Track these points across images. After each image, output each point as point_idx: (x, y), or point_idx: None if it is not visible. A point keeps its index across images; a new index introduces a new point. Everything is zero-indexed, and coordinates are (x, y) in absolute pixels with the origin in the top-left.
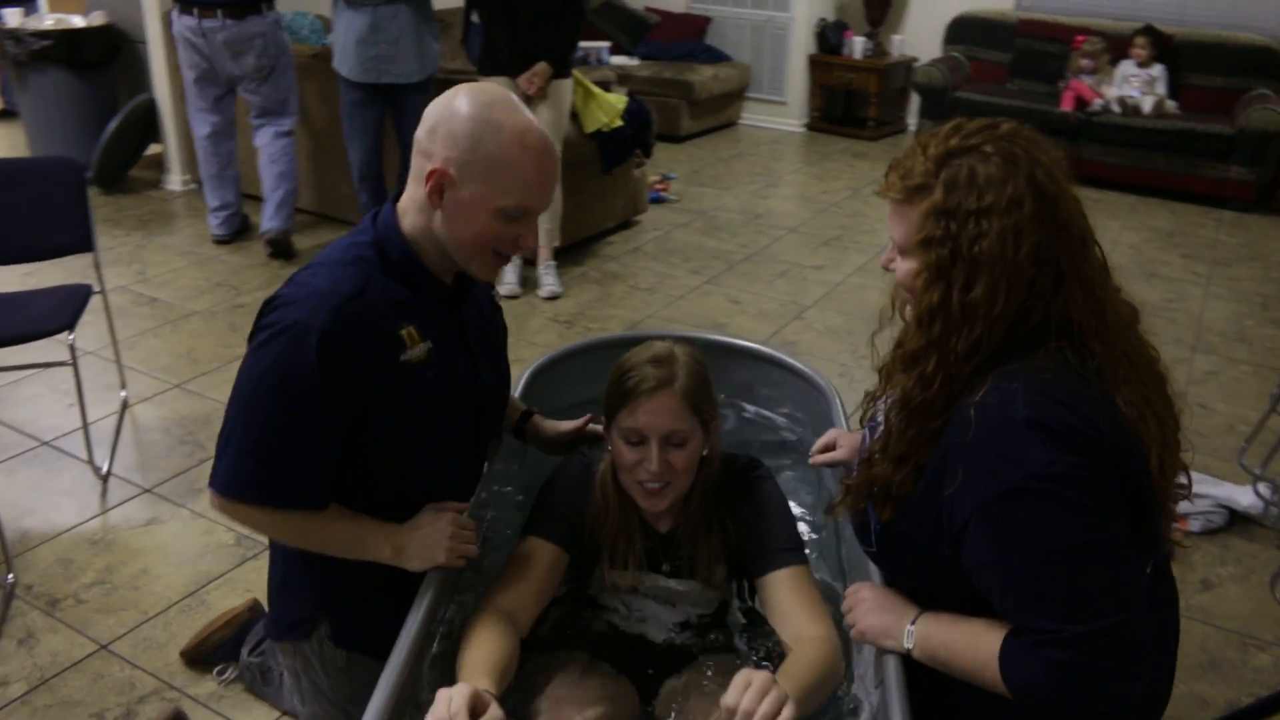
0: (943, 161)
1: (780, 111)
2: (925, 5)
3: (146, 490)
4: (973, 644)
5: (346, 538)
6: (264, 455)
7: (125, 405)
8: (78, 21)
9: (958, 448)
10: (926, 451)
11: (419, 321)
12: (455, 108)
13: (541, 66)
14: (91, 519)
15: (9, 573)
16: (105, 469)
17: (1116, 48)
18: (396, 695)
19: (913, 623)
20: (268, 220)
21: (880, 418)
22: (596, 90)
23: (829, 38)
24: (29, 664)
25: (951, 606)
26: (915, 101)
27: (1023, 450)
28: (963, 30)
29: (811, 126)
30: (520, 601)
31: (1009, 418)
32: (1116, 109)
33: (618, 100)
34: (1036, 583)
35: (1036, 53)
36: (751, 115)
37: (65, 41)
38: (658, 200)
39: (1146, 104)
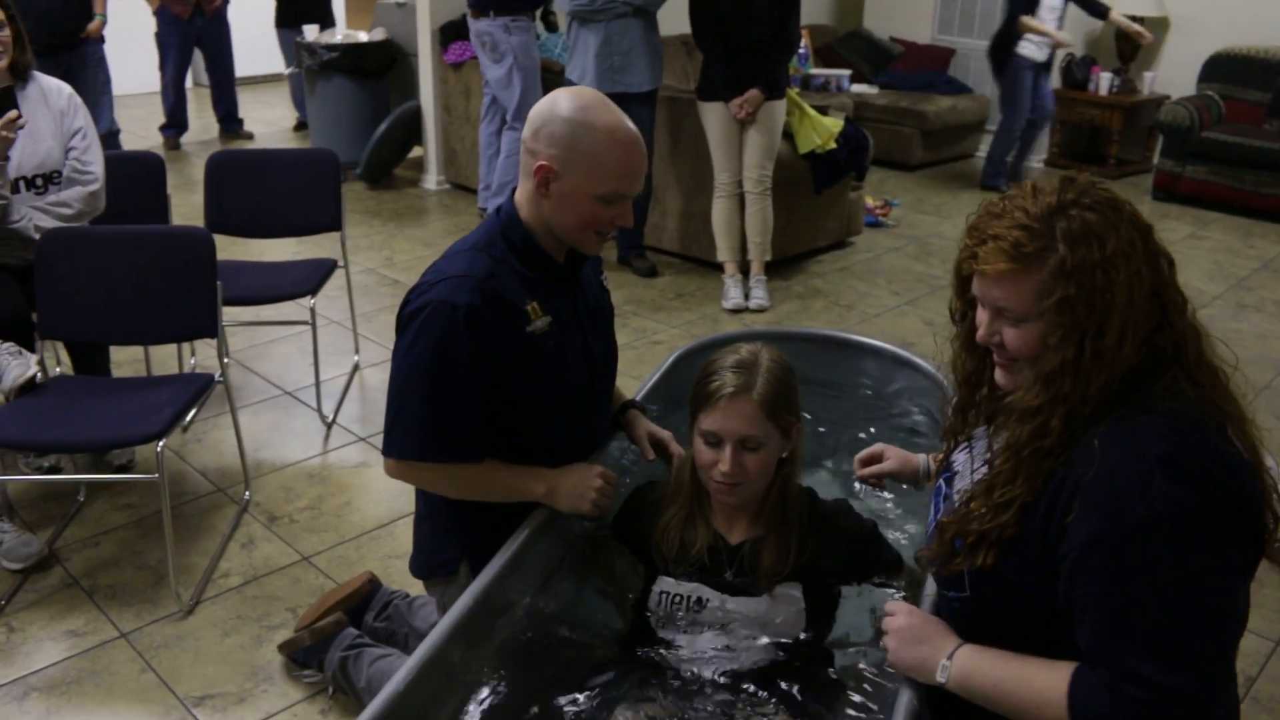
0: (1050, 221)
1: None
2: (1182, 41)
3: (361, 439)
4: (1026, 681)
5: (506, 481)
6: (432, 419)
7: (356, 368)
8: (362, 36)
9: (1077, 481)
10: (1035, 492)
11: (540, 298)
12: (555, 111)
13: (753, 94)
14: (313, 457)
15: (245, 491)
16: (331, 418)
17: None
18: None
19: (949, 657)
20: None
21: (960, 465)
22: (811, 112)
23: (1075, 73)
24: (246, 563)
25: (1039, 649)
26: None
27: (1156, 485)
28: (1220, 68)
29: (1049, 162)
30: None
31: (1142, 450)
32: None
33: (833, 124)
34: (1144, 620)
35: None
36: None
37: (350, 53)
38: (874, 224)
39: None
